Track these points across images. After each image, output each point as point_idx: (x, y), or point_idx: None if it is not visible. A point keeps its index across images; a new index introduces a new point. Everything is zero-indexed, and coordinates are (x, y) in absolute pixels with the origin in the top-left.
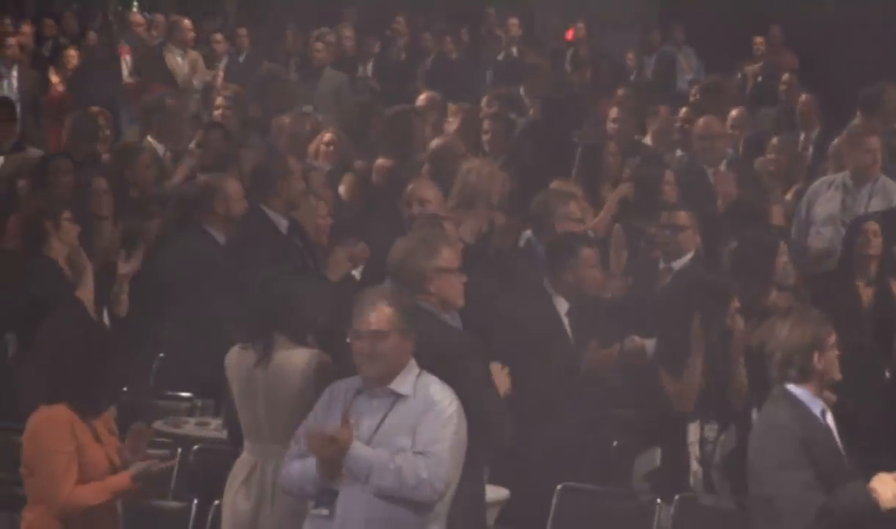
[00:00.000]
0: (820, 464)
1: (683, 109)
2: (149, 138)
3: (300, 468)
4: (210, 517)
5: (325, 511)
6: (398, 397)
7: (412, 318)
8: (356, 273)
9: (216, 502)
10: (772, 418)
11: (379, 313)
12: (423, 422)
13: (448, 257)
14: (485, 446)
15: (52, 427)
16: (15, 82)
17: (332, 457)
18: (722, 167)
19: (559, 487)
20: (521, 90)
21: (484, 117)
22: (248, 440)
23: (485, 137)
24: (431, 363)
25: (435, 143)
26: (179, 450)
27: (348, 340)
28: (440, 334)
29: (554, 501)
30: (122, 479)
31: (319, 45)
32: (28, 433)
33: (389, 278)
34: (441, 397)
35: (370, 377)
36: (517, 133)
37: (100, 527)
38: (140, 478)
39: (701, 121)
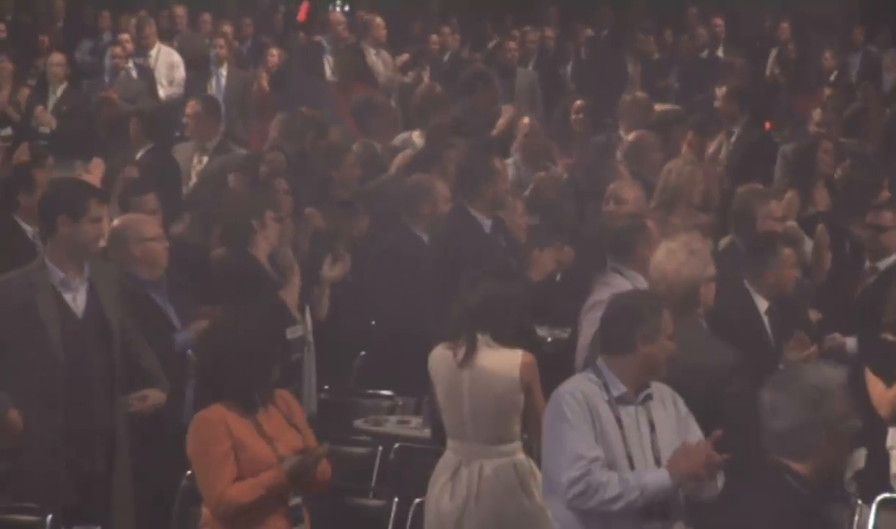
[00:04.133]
0: None
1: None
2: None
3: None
4: (410, 515)
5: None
6: (649, 399)
7: None
8: None
9: (416, 500)
10: None
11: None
12: (691, 419)
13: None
14: None
15: (204, 428)
16: (223, 81)
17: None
18: None
19: None
20: (716, 90)
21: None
22: (451, 440)
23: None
24: (692, 375)
25: (631, 137)
26: (380, 448)
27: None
28: (707, 345)
29: None
30: (276, 474)
31: (512, 44)
32: (188, 434)
33: (653, 287)
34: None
35: (650, 381)
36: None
37: (268, 523)
38: (293, 472)
39: None
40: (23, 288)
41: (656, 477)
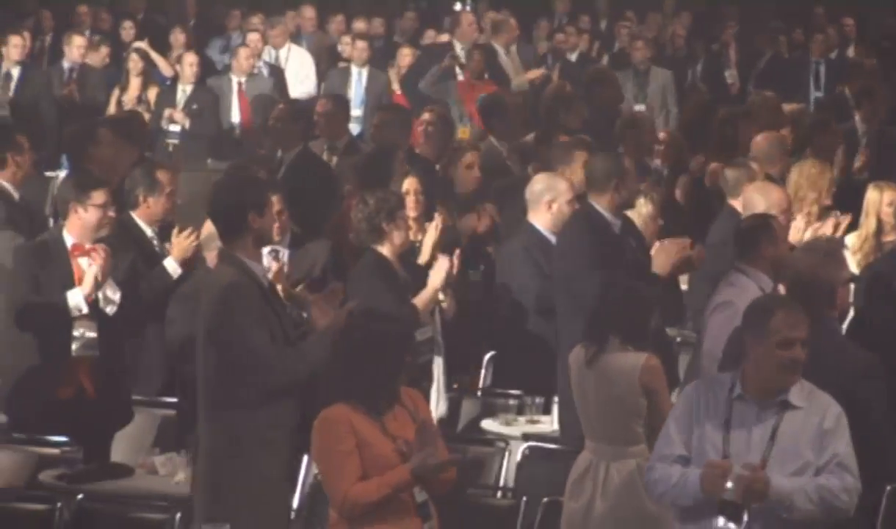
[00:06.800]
0: None
1: None
2: (491, 138)
3: (678, 477)
4: (539, 515)
5: (732, 526)
6: (787, 407)
7: None
8: None
9: (545, 500)
10: None
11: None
12: (832, 436)
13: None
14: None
15: (328, 427)
16: (364, 83)
17: (752, 495)
18: None
19: (888, 488)
20: (846, 90)
21: None
22: (587, 439)
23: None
24: (825, 378)
25: (758, 138)
26: (509, 448)
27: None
28: (841, 348)
29: (883, 502)
30: (402, 473)
31: (640, 44)
32: (312, 434)
33: (789, 289)
34: (839, 409)
35: (775, 388)
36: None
37: (398, 521)
38: (418, 471)
39: None
40: (255, 287)
41: (695, 480)
